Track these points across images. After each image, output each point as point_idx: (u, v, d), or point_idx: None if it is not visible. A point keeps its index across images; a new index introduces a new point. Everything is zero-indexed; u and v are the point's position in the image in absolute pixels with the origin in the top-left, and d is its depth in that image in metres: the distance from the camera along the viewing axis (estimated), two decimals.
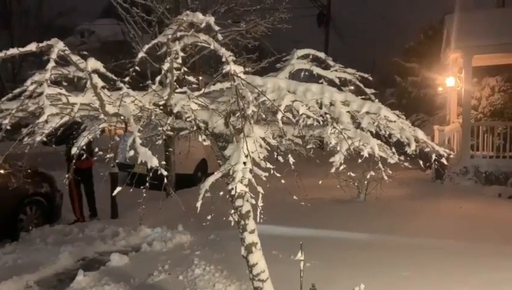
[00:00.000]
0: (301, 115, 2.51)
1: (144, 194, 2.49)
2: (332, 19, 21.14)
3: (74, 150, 2.65)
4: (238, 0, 8.44)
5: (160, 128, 2.60)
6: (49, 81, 1.83)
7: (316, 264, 4.50)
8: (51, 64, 1.79)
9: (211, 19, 1.87)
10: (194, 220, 6.86)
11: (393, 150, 2.77)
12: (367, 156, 2.40)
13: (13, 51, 1.83)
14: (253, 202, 2.52)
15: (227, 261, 4.81)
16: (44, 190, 6.47)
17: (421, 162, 2.84)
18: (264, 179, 2.46)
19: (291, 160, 2.47)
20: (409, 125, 2.66)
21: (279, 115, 2.28)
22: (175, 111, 2.62)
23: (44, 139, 2.27)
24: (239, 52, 9.03)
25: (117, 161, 10.32)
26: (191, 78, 2.56)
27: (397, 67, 20.46)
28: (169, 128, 2.69)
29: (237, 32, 8.38)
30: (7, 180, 5.75)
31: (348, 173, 2.51)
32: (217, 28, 1.85)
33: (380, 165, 2.42)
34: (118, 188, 2.21)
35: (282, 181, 2.56)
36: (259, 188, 2.46)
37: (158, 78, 2.40)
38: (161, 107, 2.61)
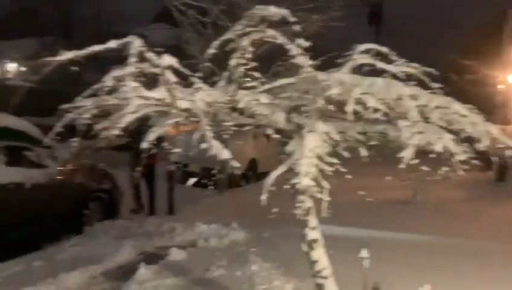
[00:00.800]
0: (367, 109, 2.48)
1: (210, 188, 2.54)
2: (383, 17, 20.64)
3: (145, 145, 2.76)
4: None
5: (227, 124, 2.64)
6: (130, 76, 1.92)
7: (374, 264, 4.40)
8: (133, 58, 1.88)
9: (286, 11, 1.88)
10: (247, 218, 6.97)
11: (465, 145, 2.66)
12: (440, 151, 2.32)
13: (98, 47, 1.94)
14: (318, 196, 2.51)
15: (283, 259, 4.81)
16: (106, 186, 6.78)
17: (495, 159, 2.71)
18: (331, 174, 2.44)
19: (363, 152, 2.43)
20: (482, 119, 2.55)
21: (350, 107, 2.25)
22: (240, 107, 2.67)
23: (119, 132, 2.37)
24: None
25: (172, 160, 10.63)
26: (256, 74, 2.59)
27: (453, 65, 19.60)
28: (233, 124, 2.74)
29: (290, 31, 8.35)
30: (74, 177, 6.10)
31: (420, 168, 2.43)
32: (292, 19, 1.86)
33: (455, 159, 2.33)
34: (193, 179, 2.28)
35: (349, 176, 2.53)
36: (325, 183, 2.45)
37: (226, 74, 2.45)
38: (227, 103, 2.67)
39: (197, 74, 2.25)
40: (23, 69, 38.49)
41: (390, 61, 3.20)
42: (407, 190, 7.77)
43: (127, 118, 2.35)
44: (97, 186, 6.61)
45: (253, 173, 11.01)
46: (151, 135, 2.84)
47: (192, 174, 9.79)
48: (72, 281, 4.47)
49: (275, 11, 1.93)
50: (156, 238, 5.90)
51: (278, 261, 4.76)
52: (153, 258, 5.21)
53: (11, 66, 40.09)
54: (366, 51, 3.24)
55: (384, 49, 3.22)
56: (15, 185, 5.29)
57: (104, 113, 2.68)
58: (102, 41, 2.21)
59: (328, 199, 2.44)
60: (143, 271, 4.53)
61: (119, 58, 2.22)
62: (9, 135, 5.38)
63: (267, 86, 2.80)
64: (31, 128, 5.75)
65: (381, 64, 3.12)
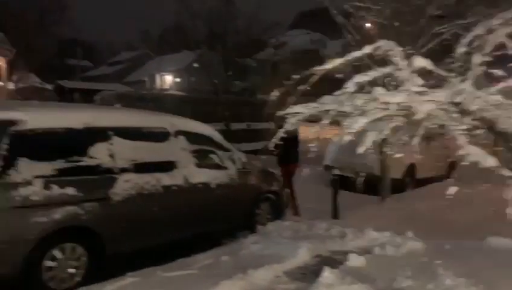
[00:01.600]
0: None
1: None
2: None
3: (361, 150, 2.73)
4: None
5: (458, 128, 2.46)
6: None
7: None
8: (402, 62, 1.84)
9: None
10: (416, 226, 6.56)
11: None
12: None
13: (357, 53, 1.96)
14: None
15: (478, 276, 4.37)
16: (274, 188, 7.07)
17: None
18: None
19: None
20: None
21: None
22: (472, 109, 2.46)
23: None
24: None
25: (324, 164, 10.67)
26: (498, 72, 2.35)
27: None
28: (461, 127, 2.54)
29: (460, 25, 7.72)
30: (248, 179, 6.49)
31: None
32: None
33: None
34: (454, 188, 2.16)
35: None
36: None
37: (471, 74, 2.27)
38: (457, 105, 2.48)
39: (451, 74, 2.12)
40: (177, 80, 43.02)
41: None
42: None
43: (359, 123, 2.34)
44: (267, 187, 6.92)
45: (412, 179, 10.42)
46: (368, 140, 2.81)
47: (345, 179, 9.68)
48: (260, 277, 4.69)
49: None
50: (328, 242, 5.90)
51: (473, 277, 4.34)
52: (329, 262, 5.18)
53: (168, 78, 45.26)
54: None
55: None
56: (203, 185, 5.82)
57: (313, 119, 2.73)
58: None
59: None
60: (327, 275, 4.53)
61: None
62: (199, 140, 5.96)
63: (501, 85, 2.53)
64: (214, 133, 6.29)
65: None
